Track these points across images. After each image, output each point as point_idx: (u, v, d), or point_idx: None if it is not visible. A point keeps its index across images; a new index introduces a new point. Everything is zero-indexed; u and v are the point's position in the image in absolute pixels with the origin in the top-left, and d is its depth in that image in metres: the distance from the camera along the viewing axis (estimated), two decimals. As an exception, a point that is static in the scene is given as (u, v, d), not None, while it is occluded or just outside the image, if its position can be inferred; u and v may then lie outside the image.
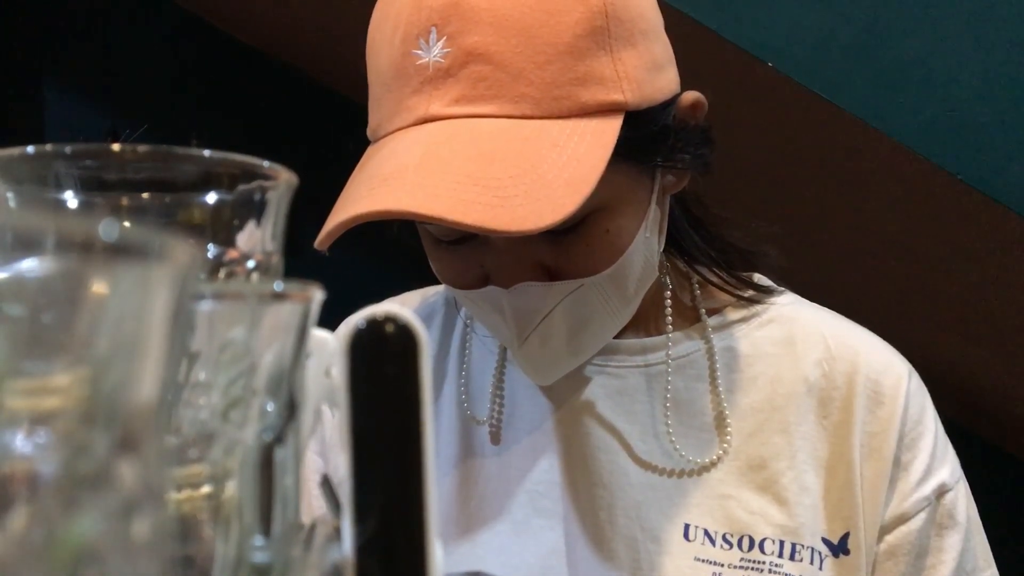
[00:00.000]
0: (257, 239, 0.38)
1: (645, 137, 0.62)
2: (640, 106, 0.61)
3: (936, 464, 0.72)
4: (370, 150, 0.64)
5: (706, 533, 0.69)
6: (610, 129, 0.59)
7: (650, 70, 0.63)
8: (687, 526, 0.70)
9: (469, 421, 0.76)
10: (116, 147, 0.35)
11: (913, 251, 1.41)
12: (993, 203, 1.17)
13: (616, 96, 0.60)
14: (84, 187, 0.36)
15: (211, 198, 0.38)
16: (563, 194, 0.56)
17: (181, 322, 0.16)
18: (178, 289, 0.15)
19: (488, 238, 0.63)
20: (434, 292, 0.84)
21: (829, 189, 1.39)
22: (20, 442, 0.20)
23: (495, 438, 0.75)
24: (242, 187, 0.38)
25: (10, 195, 0.37)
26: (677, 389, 0.72)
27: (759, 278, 0.77)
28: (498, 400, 0.75)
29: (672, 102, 0.65)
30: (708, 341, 0.73)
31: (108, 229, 0.13)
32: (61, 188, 0.37)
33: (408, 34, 0.60)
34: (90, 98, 2.60)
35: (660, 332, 0.74)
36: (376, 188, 0.57)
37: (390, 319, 0.30)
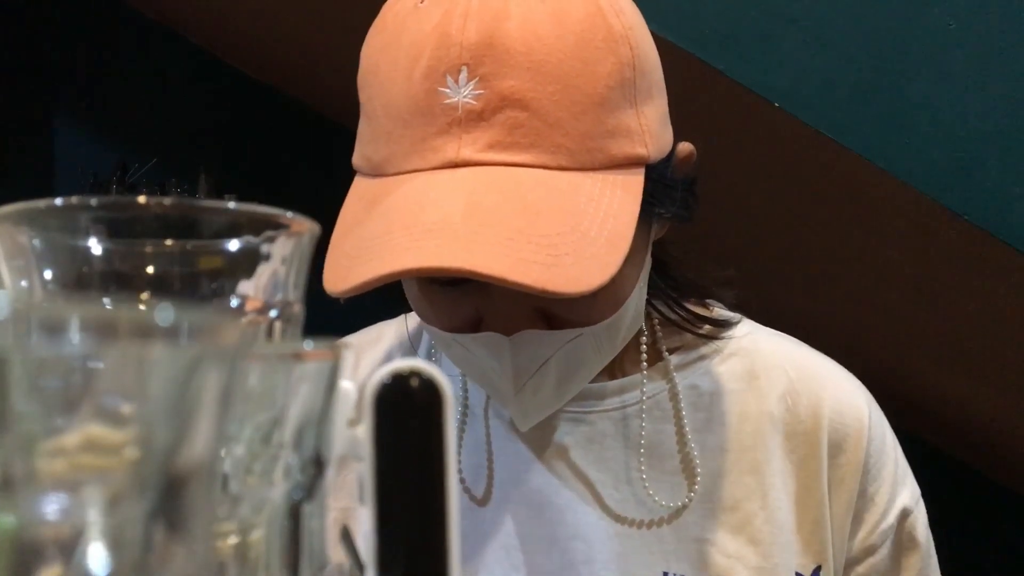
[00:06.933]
0: (278, 283, 0.39)
1: (655, 189, 0.62)
2: (655, 159, 0.61)
3: (898, 490, 0.73)
4: (379, 185, 0.59)
5: None
6: (636, 183, 0.59)
7: (662, 123, 0.63)
8: (665, 574, 0.69)
9: None
10: (142, 199, 0.35)
11: (917, 289, 1.42)
12: (998, 242, 1.17)
13: (640, 150, 0.60)
14: (107, 229, 0.37)
15: (233, 246, 0.38)
16: (606, 252, 0.55)
17: (229, 398, 0.16)
18: (228, 369, 0.16)
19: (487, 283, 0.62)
20: (391, 330, 0.79)
21: (834, 228, 1.39)
22: (57, 506, 0.19)
23: (468, 491, 0.72)
24: (264, 235, 0.38)
25: (36, 242, 0.38)
26: (646, 432, 0.71)
27: (718, 312, 0.75)
28: (468, 452, 0.73)
29: (672, 153, 0.65)
30: (671, 381, 0.72)
31: (164, 314, 0.14)
32: (86, 233, 0.37)
33: (433, 69, 0.57)
34: (99, 131, 2.62)
35: (625, 374, 0.73)
36: (420, 239, 0.53)
37: (415, 373, 0.31)
